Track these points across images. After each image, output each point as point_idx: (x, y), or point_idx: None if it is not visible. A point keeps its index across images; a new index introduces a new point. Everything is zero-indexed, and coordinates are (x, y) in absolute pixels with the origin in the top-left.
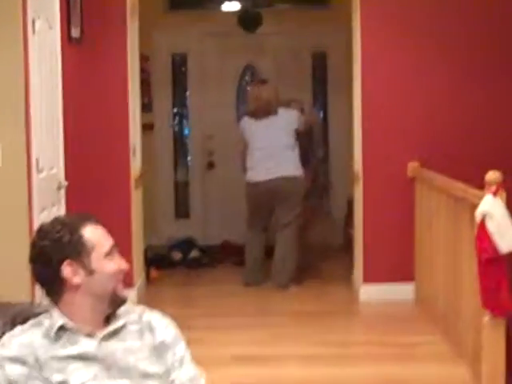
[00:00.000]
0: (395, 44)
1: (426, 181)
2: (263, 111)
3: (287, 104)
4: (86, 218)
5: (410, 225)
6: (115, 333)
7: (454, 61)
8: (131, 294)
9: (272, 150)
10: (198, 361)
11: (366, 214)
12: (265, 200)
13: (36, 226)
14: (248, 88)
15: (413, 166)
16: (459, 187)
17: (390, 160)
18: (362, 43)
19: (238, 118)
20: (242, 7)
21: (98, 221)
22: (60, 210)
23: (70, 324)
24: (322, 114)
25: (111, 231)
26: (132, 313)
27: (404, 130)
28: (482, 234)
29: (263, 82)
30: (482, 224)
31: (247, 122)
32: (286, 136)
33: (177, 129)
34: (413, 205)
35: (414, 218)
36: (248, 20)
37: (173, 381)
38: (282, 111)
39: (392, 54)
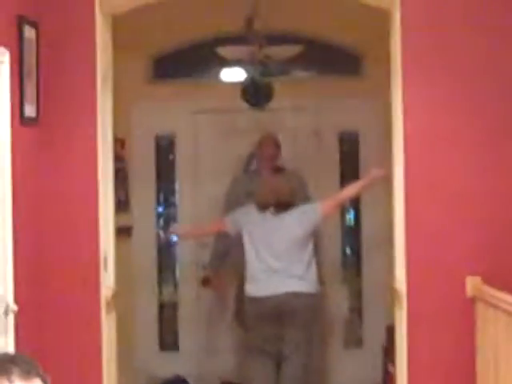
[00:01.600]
0: (447, 124)
1: (490, 302)
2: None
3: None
4: (20, 366)
5: (469, 360)
6: None
7: None
8: None
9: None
10: None
11: (412, 346)
12: (271, 320)
13: None
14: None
15: (473, 283)
16: None
17: (443, 275)
18: (405, 123)
19: None
20: (248, 76)
21: (42, 374)
22: (7, 342)
23: None
24: (352, 214)
25: (76, 371)
26: None
27: (460, 236)
28: None
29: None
30: None
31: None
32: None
33: (162, 234)
34: (473, 333)
35: (475, 350)
36: (255, 92)
37: None
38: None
39: (444, 136)
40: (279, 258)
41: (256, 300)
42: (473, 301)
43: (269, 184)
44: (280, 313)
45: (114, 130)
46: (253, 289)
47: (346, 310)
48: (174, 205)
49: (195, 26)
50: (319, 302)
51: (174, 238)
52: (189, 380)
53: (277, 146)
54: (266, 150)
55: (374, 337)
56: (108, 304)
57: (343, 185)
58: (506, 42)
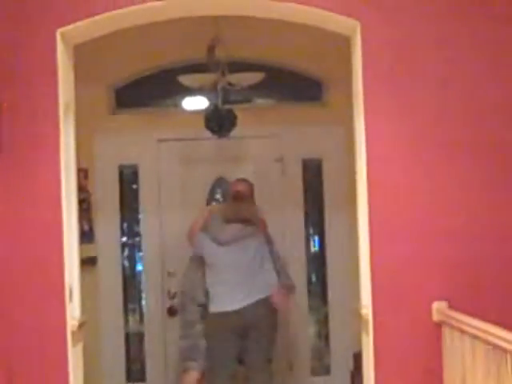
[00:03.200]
0: (410, 151)
1: (456, 326)
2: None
3: None
4: None
5: None
6: None
7: (488, 169)
8: None
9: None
10: None
11: (379, 372)
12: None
13: None
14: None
15: (439, 308)
16: (502, 335)
17: (408, 300)
18: (368, 149)
19: None
20: (210, 104)
21: None
22: None
23: None
24: (317, 240)
25: None
26: None
27: (427, 260)
28: None
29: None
30: None
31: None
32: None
33: (127, 264)
34: (440, 358)
35: (443, 374)
36: (218, 120)
37: None
38: None
39: (407, 163)
40: (240, 273)
41: (221, 315)
42: (439, 325)
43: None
44: (244, 325)
45: (77, 161)
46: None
47: (312, 336)
48: (138, 234)
49: (156, 55)
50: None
51: (139, 267)
52: None
53: (250, 189)
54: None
55: (341, 363)
56: (74, 335)
57: (307, 211)
58: (473, 64)
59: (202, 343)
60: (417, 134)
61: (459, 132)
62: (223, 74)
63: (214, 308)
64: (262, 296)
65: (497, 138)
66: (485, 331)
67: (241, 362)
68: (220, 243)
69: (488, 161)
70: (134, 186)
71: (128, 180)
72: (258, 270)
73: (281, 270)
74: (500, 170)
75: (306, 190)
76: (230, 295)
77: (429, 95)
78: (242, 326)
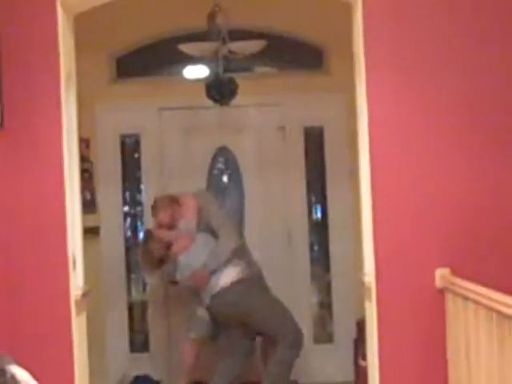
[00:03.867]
0: (412, 117)
1: (459, 293)
2: None
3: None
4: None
5: (440, 352)
6: None
7: (486, 136)
8: None
9: None
10: None
11: (382, 340)
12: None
13: None
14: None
15: (442, 274)
16: (505, 301)
17: (412, 267)
18: (369, 117)
19: None
20: (211, 73)
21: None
22: None
23: None
24: (319, 209)
25: (47, 372)
26: None
27: (429, 228)
28: None
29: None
30: None
31: None
32: None
33: (129, 233)
34: (443, 324)
35: (446, 341)
36: (219, 89)
37: None
38: None
39: (408, 129)
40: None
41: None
42: (442, 292)
43: None
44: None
45: (79, 130)
46: None
47: (315, 305)
48: (140, 204)
49: (157, 24)
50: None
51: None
52: (159, 381)
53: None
54: (159, 217)
55: (344, 331)
56: (78, 304)
57: (309, 179)
58: (473, 29)
59: (201, 313)
60: (420, 100)
61: (463, 97)
62: (224, 42)
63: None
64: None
65: (501, 102)
66: (488, 297)
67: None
68: None
69: (490, 130)
70: (136, 156)
71: (130, 149)
72: None
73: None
74: (502, 141)
75: (307, 158)
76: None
77: (431, 60)
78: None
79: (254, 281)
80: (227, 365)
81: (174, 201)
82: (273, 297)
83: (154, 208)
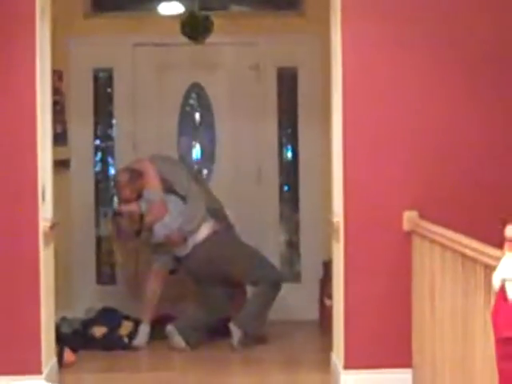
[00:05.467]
0: (386, 61)
1: (426, 236)
2: None
3: None
4: None
5: (405, 293)
6: None
7: (456, 83)
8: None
9: None
10: None
11: (349, 280)
12: None
13: None
14: None
15: (409, 217)
16: (470, 244)
17: (380, 209)
18: (344, 59)
19: (180, 154)
20: (187, 10)
21: None
22: None
23: None
24: (290, 149)
25: (14, 302)
26: None
27: (398, 170)
28: (501, 305)
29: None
30: (502, 293)
31: None
32: None
33: (99, 167)
34: (409, 267)
35: (411, 284)
36: (194, 26)
37: None
38: None
39: (382, 73)
40: None
41: None
42: (409, 234)
43: None
44: None
45: (52, 63)
46: None
47: (283, 244)
48: (111, 138)
49: None
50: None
51: (112, 171)
52: (127, 315)
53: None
54: (122, 195)
55: (311, 271)
56: (46, 236)
57: (281, 120)
58: None
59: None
60: (396, 42)
61: (444, 36)
62: None
63: None
64: None
65: (476, 40)
66: (454, 240)
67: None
68: None
69: (464, 71)
70: (109, 90)
71: (102, 84)
72: None
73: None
74: (475, 85)
75: (280, 99)
76: None
77: (408, 12)
78: None
79: (225, 232)
80: (199, 313)
81: (134, 174)
82: (246, 244)
83: (116, 186)
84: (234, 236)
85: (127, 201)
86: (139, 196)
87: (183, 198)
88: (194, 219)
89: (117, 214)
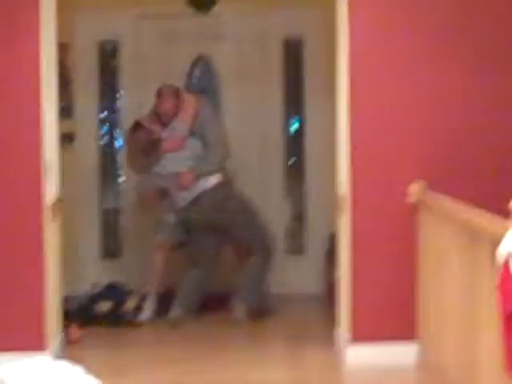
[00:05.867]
0: (391, 31)
1: (433, 208)
2: None
3: None
4: None
5: (412, 266)
6: None
7: (465, 53)
8: (45, 360)
9: None
10: None
11: (355, 253)
12: None
13: None
14: None
15: (416, 189)
16: (477, 216)
17: (386, 181)
18: (350, 29)
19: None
20: None
21: None
22: None
23: None
24: (296, 122)
25: (19, 278)
26: None
27: (405, 142)
28: (507, 279)
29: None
30: (507, 267)
31: None
32: None
33: (105, 140)
34: (416, 240)
35: (418, 257)
36: None
37: None
38: None
39: (388, 43)
40: None
41: None
42: (416, 207)
43: None
44: None
45: (57, 35)
46: None
47: (289, 217)
48: (117, 111)
49: None
50: None
51: (118, 144)
52: (131, 288)
53: (177, 98)
54: (164, 105)
55: (316, 244)
56: (52, 211)
57: (287, 92)
58: None
59: (169, 219)
60: (400, 14)
61: (450, 17)
62: None
63: None
64: None
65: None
66: (462, 212)
67: None
68: None
69: (475, 49)
70: (114, 63)
71: (108, 56)
72: None
73: None
74: (485, 55)
75: (286, 71)
76: None
77: None
78: None
79: (232, 185)
80: (194, 275)
81: (178, 94)
82: (250, 205)
83: (158, 95)
84: (240, 191)
85: (161, 112)
86: (172, 117)
87: (204, 146)
88: (209, 165)
89: (138, 125)
